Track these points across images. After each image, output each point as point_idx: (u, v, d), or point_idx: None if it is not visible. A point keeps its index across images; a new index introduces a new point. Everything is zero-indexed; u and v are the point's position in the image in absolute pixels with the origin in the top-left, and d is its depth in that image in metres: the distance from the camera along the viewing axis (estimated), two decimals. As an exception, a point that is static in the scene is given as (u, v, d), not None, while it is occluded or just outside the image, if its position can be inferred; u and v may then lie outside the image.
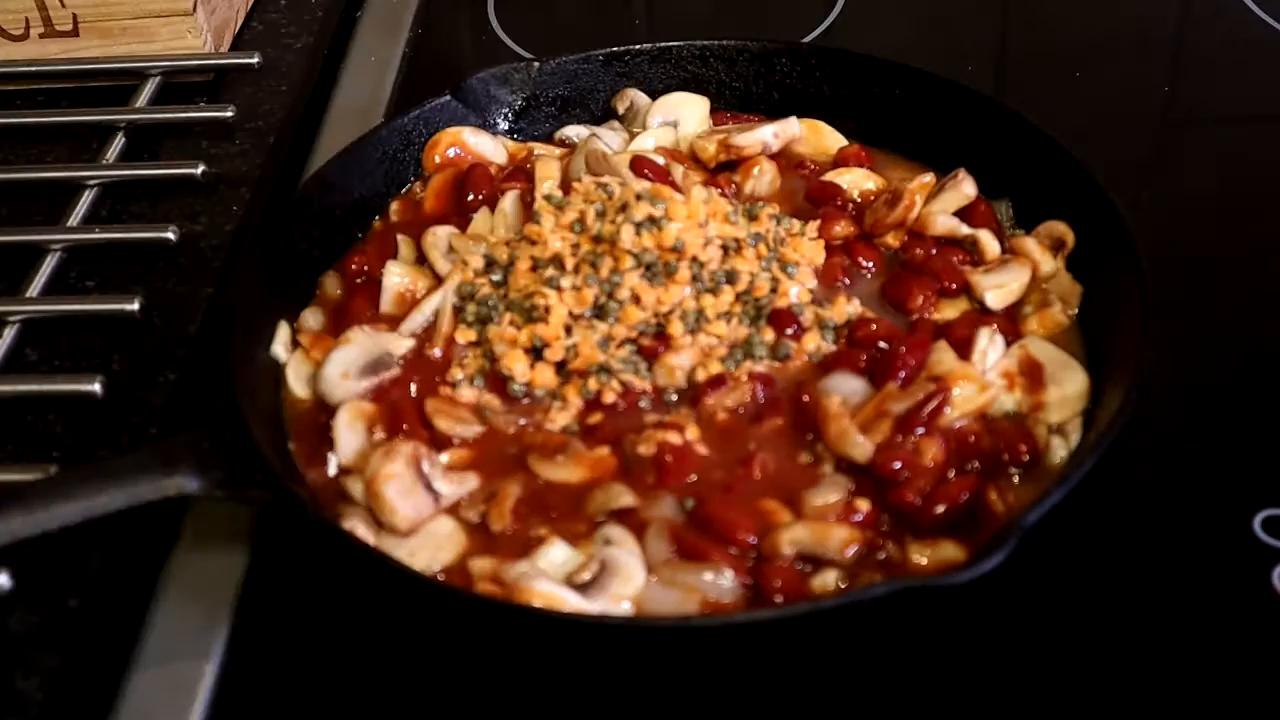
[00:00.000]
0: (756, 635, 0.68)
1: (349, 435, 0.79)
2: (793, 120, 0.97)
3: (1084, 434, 0.77)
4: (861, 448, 0.75)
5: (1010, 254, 0.87)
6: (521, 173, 0.95)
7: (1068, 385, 0.79)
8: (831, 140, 0.98)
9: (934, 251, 0.88)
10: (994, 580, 0.66)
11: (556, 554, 0.73)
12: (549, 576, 0.71)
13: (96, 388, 0.85)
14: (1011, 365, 0.80)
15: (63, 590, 0.76)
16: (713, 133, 0.98)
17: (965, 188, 0.90)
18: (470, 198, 0.93)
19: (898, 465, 0.74)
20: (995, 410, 0.79)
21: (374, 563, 0.71)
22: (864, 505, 0.74)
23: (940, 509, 0.73)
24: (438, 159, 0.97)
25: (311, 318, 0.88)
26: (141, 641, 0.75)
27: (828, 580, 0.71)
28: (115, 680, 0.73)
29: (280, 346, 0.85)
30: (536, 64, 1.01)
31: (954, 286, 0.86)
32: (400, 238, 0.91)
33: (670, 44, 1.02)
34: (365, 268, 0.90)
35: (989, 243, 0.87)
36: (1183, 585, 0.76)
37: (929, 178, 0.91)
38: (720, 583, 0.71)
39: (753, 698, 0.72)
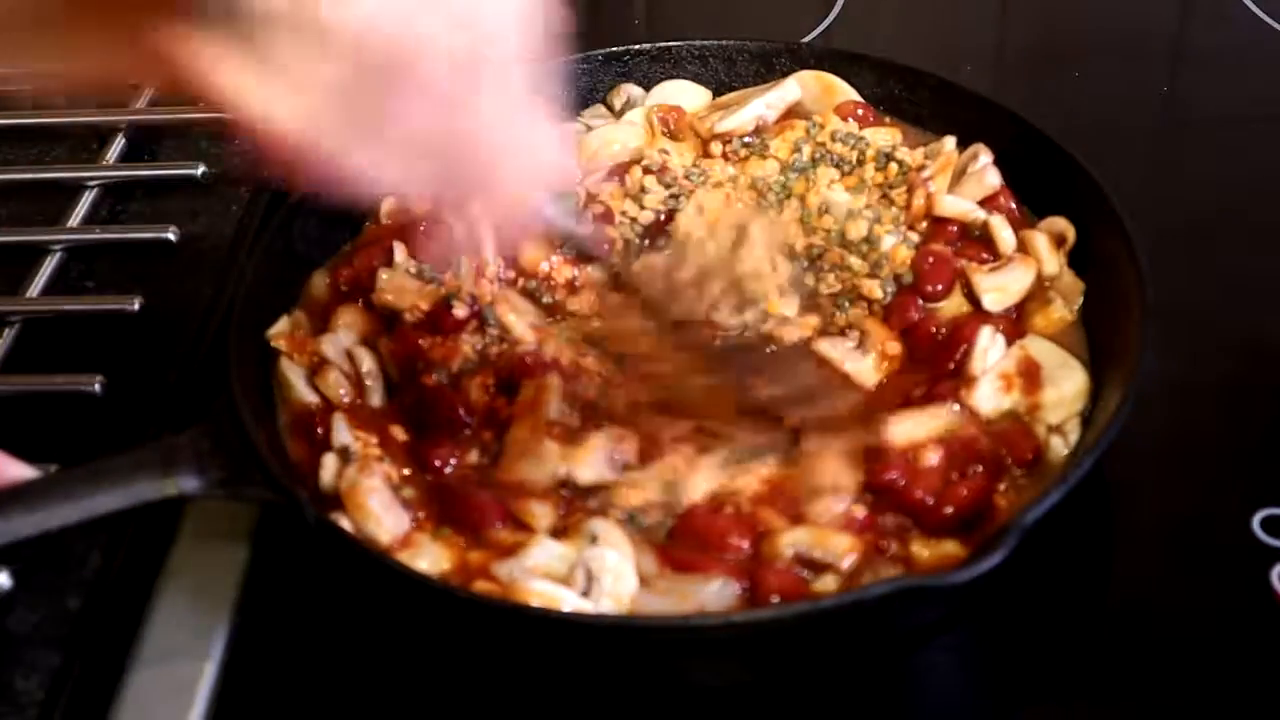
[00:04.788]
0: (755, 635, 0.68)
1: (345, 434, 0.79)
2: (790, 83, 0.96)
3: (1083, 433, 0.77)
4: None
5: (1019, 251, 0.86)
6: None
7: (1065, 385, 0.79)
8: (843, 96, 0.98)
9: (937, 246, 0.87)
10: (992, 579, 0.66)
11: (543, 552, 0.72)
12: (537, 574, 0.70)
13: (96, 388, 0.86)
14: (1010, 367, 0.80)
15: (63, 590, 0.76)
16: (712, 109, 0.98)
17: (989, 177, 0.88)
18: None
19: (893, 475, 0.74)
20: (993, 411, 0.78)
21: (374, 562, 0.71)
22: (860, 511, 0.73)
23: (949, 509, 0.73)
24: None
25: (294, 321, 0.86)
26: (141, 641, 0.75)
27: (828, 583, 0.71)
28: (115, 680, 0.73)
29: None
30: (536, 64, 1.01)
31: (939, 289, 0.84)
32: (395, 243, 0.90)
33: (670, 44, 1.02)
34: (355, 272, 0.89)
35: (1000, 231, 0.86)
36: (1182, 584, 0.76)
37: (950, 148, 0.89)
38: (720, 591, 0.70)
39: (752, 697, 0.72)
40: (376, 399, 0.82)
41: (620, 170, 0.92)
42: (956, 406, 0.77)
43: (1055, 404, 0.78)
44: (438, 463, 0.77)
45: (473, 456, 0.77)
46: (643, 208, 0.90)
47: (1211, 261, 0.95)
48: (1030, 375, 0.79)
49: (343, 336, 0.84)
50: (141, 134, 1.08)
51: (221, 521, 0.80)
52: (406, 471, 0.77)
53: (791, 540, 0.71)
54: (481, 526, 0.73)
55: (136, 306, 0.91)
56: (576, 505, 0.74)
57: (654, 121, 0.97)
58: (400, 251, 0.89)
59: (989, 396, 0.78)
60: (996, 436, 0.77)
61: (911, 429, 0.76)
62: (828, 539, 0.71)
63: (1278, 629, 0.73)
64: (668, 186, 0.91)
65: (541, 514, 0.73)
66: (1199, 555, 0.77)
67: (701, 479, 0.74)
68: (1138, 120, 1.10)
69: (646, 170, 0.92)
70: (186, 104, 1.10)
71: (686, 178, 0.91)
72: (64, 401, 0.86)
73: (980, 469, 0.75)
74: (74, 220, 0.99)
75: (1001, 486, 0.74)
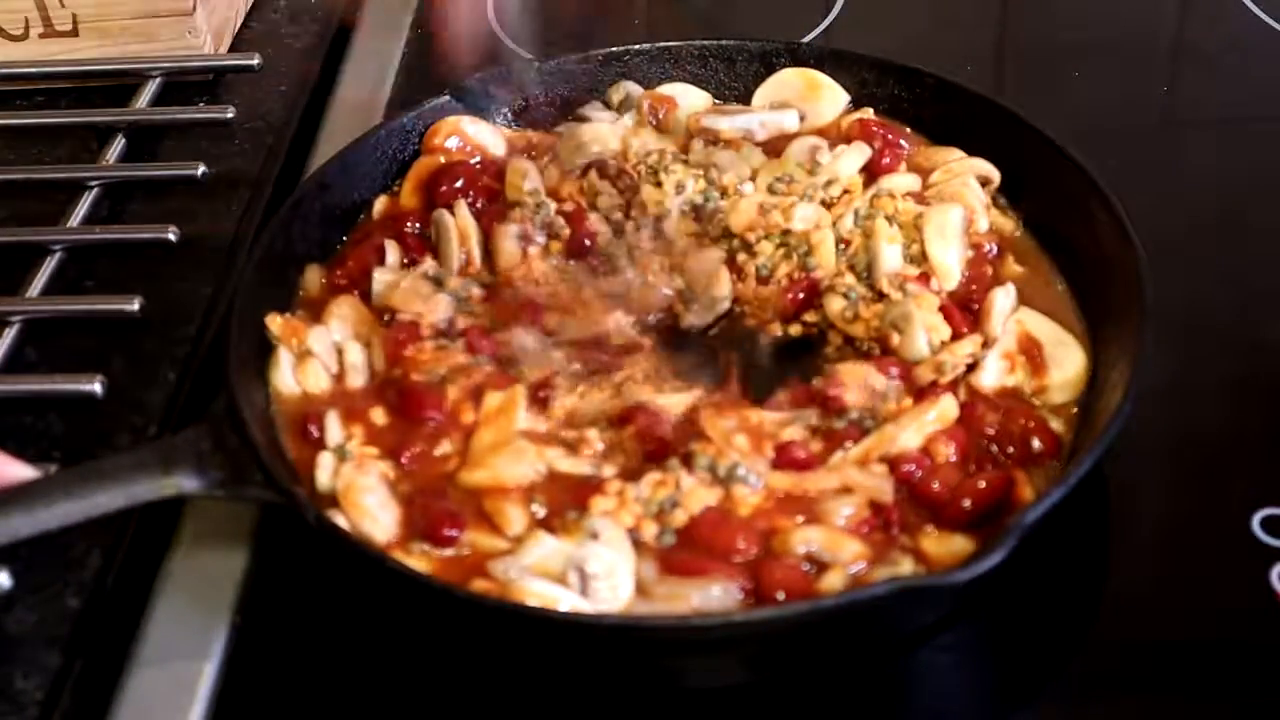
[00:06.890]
0: (754, 635, 0.68)
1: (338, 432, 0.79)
2: (791, 114, 0.96)
3: (1081, 427, 0.77)
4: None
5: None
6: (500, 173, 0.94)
7: (1068, 365, 0.80)
8: (830, 102, 0.97)
9: None
10: (992, 578, 0.66)
11: (541, 548, 0.72)
12: (536, 572, 0.70)
13: (96, 388, 0.86)
14: (1011, 344, 0.80)
15: (63, 590, 0.76)
16: (710, 111, 0.98)
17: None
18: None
19: (909, 469, 0.74)
20: (996, 386, 0.79)
21: (373, 562, 0.71)
22: (864, 512, 0.73)
23: (967, 503, 0.73)
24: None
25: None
26: (141, 641, 0.75)
27: (833, 581, 0.70)
28: (115, 680, 0.73)
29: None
30: (536, 64, 1.02)
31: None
32: (388, 242, 0.90)
33: (670, 44, 1.02)
34: (350, 271, 0.89)
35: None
36: (1182, 584, 0.76)
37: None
38: (722, 595, 0.70)
39: (752, 697, 0.72)
40: (358, 386, 0.82)
41: (587, 169, 0.92)
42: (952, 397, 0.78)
43: (1060, 386, 0.79)
44: (405, 459, 0.77)
45: (442, 453, 0.78)
46: (596, 208, 0.91)
47: (1211, 261, 0.95)
48: (1032, 354, 0.80)
49: (334, 329, 0.84)
50: (141, 134, 1.08)
51: (221, 522, 0.80)
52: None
53: (804, 538, 0.71)
54: (437, 540, 0.73)
55: (136, 306, 0.91)
56: (554, 517, 0.74)
57: (644, 110, 0.97)
58: (393, 251, 0.89)
59: (993, 373, 0.79)
60: (1013, 417, 0.77)
61: (913, 435, 0.76)
62: (839, 542, 0.71)
63: (1278, 629, 0.73)
64: (621, 193, 0.91)
65: (515, 518, 0.73)
66: (1199, 555, 0.77)
67: (692, 499, 0.73)
68: (1138, 120, 1.10)
69: (602, 174, 0.92)
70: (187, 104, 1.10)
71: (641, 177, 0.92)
72: (64, 401, 0.86)
73: (1012, 450, 0.76)
74: (74, 220, 0.98)
75: (1023, 476, 0.74)
